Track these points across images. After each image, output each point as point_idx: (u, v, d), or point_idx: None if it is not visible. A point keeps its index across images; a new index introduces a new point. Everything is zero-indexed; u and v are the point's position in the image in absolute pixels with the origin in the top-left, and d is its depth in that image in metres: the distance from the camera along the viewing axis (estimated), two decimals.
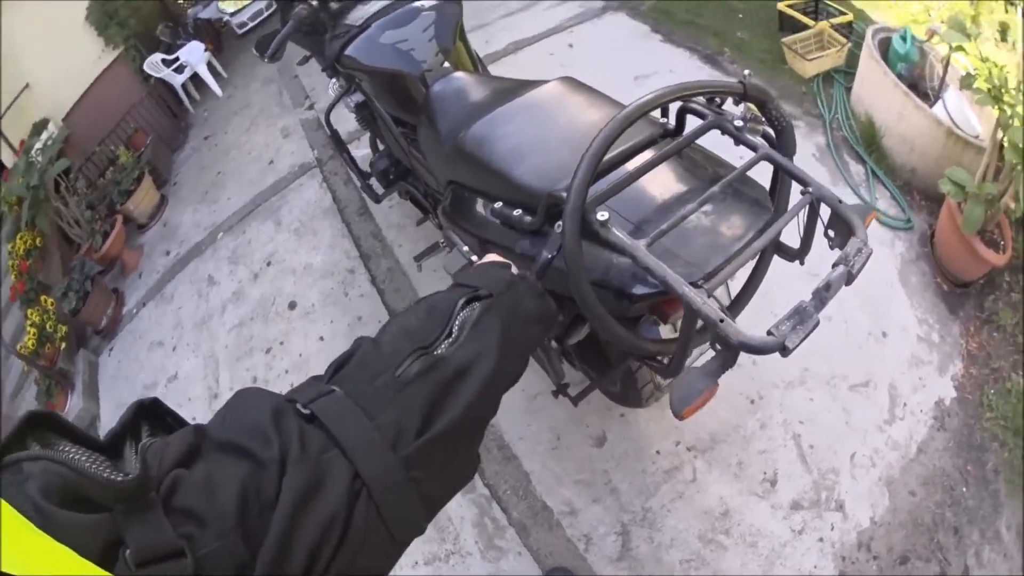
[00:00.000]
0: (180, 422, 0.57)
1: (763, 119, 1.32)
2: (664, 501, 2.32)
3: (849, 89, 3.47)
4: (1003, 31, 2.93)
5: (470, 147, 1.67)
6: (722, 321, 0.95)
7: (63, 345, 3.93)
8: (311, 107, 5.01)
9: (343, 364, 0.67)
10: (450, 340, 0.70)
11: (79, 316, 4.06)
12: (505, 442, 2.57)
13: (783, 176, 1.38)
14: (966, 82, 2.38)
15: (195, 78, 6.28)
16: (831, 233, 1.18)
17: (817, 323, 0.91)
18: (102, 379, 3.88)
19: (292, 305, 3.51)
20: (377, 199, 2.89)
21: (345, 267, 3.55)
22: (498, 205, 1.50)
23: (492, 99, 1.82)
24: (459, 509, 2.44)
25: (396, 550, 0.61)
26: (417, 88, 2.09)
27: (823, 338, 2.53)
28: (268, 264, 3.83)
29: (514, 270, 0.86)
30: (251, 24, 6.72)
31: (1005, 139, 2.24)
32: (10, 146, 5.43)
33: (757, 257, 1.48)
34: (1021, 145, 2.13)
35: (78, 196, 4.71)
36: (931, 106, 2.91)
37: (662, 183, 1.36)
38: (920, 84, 3.12)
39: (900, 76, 3.05)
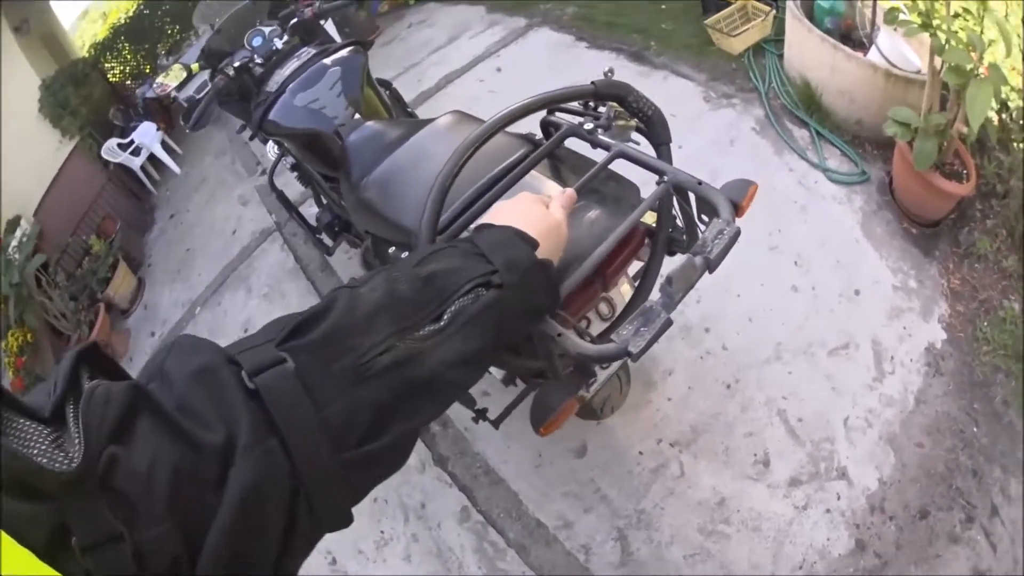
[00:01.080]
0: (118, 369, 0.52)
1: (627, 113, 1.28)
2: (656, 500, 2.15)
3: (781, 57, 3.34)
4: None
5: (367, 196, 1.68)
6: (559, 336, 0.88)
7: None
8: (263, 172, 4.98)
9: (309, 323, 0.56)
10: (436, 327, 0.60)
11: None
12: (490, 467, 2.44)
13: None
14: (890, 17, 2.22)
15: (153, 158, 6.30)
16: (704, 218, 1.14)
17: (668, 322, 0.79)
18: None
19: None
20: (329, 252, 2.95)
21: None
22: (391, 250, 1.52)
23: (389, 146, 1.80)
24: (458, 538, 2.33)
25: (319, 538, 0.55)
26: (334, 144, 2.07)
27: (792, 308, 2.45)
28: (246, 331, 3.75)
29: (552, 212, 0.82)
30: (199, 97, 6.76)
31: (943, 64, 2.08)
32: None
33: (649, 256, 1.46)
34: (961, 64, 1.99)
35: (59, 289, 4.71)
36: (866, 53, 2.76)
37: None
38: (853, 34, 2.99)
39: (829, 31, 2.92)
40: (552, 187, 1.34)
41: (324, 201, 2.81)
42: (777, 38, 3.45)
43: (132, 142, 6.12)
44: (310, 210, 2.98)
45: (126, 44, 8.02)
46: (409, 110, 2.82)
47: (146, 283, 5.01)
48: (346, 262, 3.55)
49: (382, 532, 2.43)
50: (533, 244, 0.73)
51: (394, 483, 2.51)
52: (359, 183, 1.74)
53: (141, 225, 5.88)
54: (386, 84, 2.67)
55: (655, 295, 0.82)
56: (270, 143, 2.67)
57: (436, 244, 0.71)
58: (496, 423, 1.84)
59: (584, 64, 4.10)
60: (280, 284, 3.89)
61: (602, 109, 1.32)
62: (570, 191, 0.89)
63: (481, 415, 1.85)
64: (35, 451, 0.39)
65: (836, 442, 2.11)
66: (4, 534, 0.34)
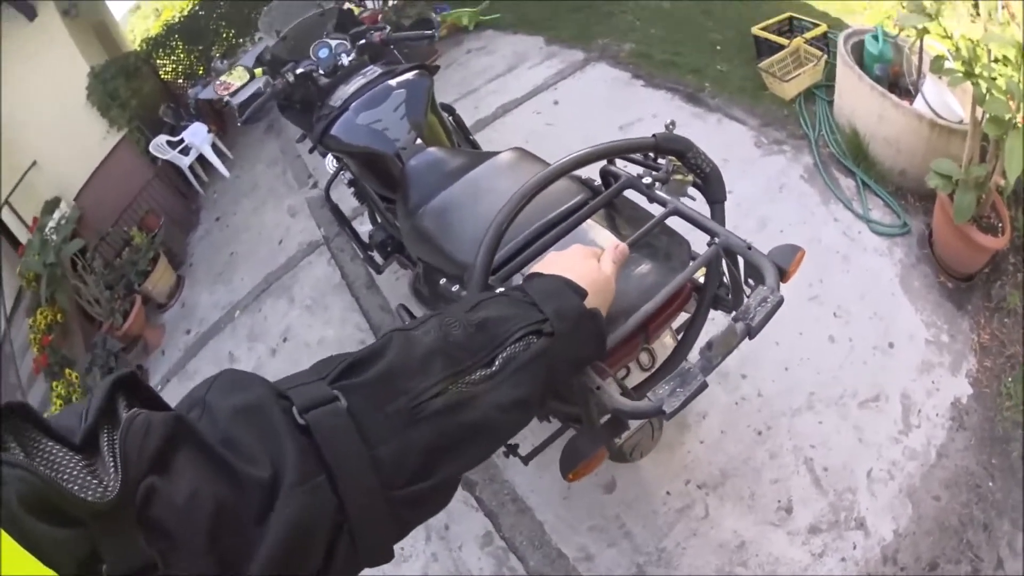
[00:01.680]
0: (156, 398, 0.52)
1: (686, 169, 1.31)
2: (678, 540, 2.24)
3: (831, 103, 3.42)
4: (976, 2, 2.82)
5: (424, 224, 1.72)
6: (598, 388, 0.91)
7: None
8: (315, 186, 5.12)
9: (363, 363, 0.58)
10: (488, 372, 0.63)
11: None
12: (518, 495, 2.53)
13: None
14: (936, 66, 2.27)
15: (202, 159, 6.37)
16: (751, 282, 1.14)
17: (703, 386, 0.83)
18: None
19: None
20: (379, 270, 2.96)
21: (357, 339, 3.58)
22: (443, 282, 1.54)
23: (449, 176, 1.85)
24: (478, 561, 2.41)
25: (356, 573, 0.57)
26: (394, 166, 2.12)
27: (827, 359, 2.56)
28: (284, 340, 3.89)
29: (603, 266, 0.85)
30: (255, 93, 6.88)
31: (984, 114, 2.14)
32: (23, 222, 5.63)
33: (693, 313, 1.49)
34: (999, 114, 2.04)
35: (95, 275, 4.81)
36: (912, 102, 2.83)
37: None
38: (900, 82, 3.06)
39: (878, 78, 3.00)
40: (606, 237, 1.37)
41: (379, 220, 2.84)
42: (828, 84, 3.53)
43: (182, 140, 6.21)
44: (362, 227, 3.04)
45: (180, 43, 8.14)
46: (471, 137, 2.88)
47: (186, 281, 5.13)
48: (393, 283, 3.65)
49: (402, 549, 2.49)
50: (582, 294, 0.76)
51: None
52: (416, 210, 1.79)
53: (186, 224, 5.98)
54: (449, 109, 2.74)
55: (694, 356, 0.87)
56: (329, 157, 2.71)
57: (487, 292, 0.76)
58: (526, 460, 1.84)
59: (640, 102, 4.18)
60: (324, 297, 3.99)
61: (661, 161, 1.35)
62: (623, 246, 0.91)
63: (512, 451, 1.84)
64: (65, 476, 0.39)
65: (858, 492, 2.18)
66: (4, 534, 0.33)
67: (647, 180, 1.30)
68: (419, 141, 2.15)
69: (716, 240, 1.12)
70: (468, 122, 4.50)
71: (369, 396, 0.55)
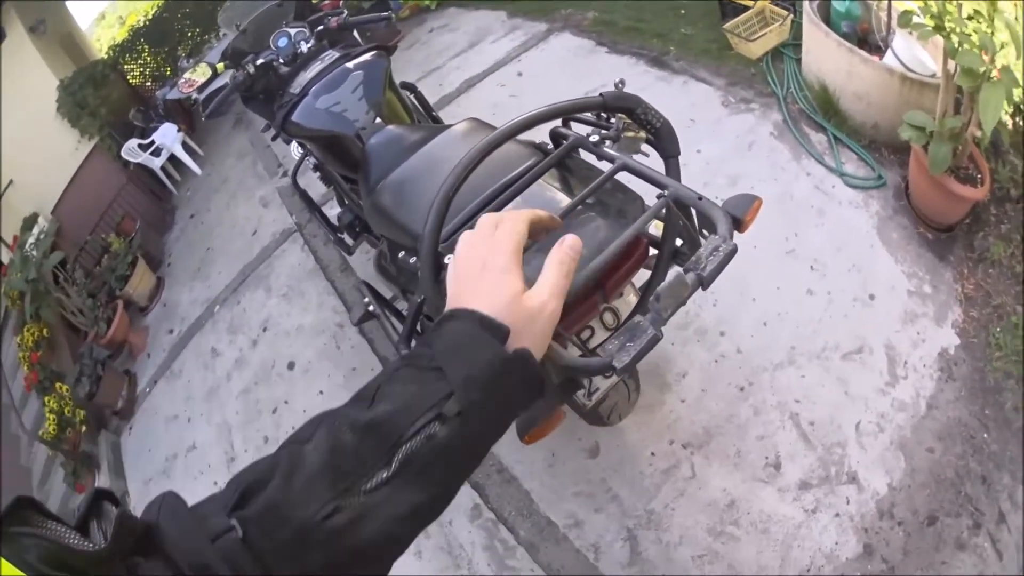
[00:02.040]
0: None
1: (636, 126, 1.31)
2: (667, 501, 2.19)
3: (799, 61, 3.35)
4: None
5: (382, 200, 1.72)
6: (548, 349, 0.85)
7: (83, 428, 4.02)
8: (285, 175, 5.09)
9: (253, 490, 0.55)
10: (385, 476, 0.55)
11: (95, 400, 4.13)
12: (503, 466, 2.49)
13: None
14: (904, 20, 2.22)
15: (174, 159, 6.36)
16: (705, 233, 1.13)
17: (655, 338, 0.76)
18: (126, 457, 3.96)
19: (291, 365, 3.53)
20: (350, 251, 2.96)
21: (334, 323, 3.57)
22: (401, 255, 1.54)
23: (406, 151, 1.85)
24: (468, 535, 2.39)
25: None
26: (355, 146, 2.12)
27: (807, 312, 2.48)
28: (264, 330, 3.87)
29: (543, 282, 0.66)
30: (218, 87, 6.94)
31: (957, 67, 2.08)
32: (3, 243, 5.62)
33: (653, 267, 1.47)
34: (972, 67, 1.99)
35: (77, 286, 4.82)
36: (882, 57, 2.76)
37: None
38: (869, 38, 2.99)
39: (846, 35, 2.93)
40: (558, 198, 1.36)
41: (346, 202, 2.86)
42: (795, 42, 3.46)
43: (152, 143, 6.19)
44: (332, 211, 3.04)
45: (145, 46, 8.10)
46: (434, 114, 2.87)
47: (165, 282, 5.12)
48: (364, 263, 3.61)
49: None
50: (501, 334, 0.60)
51: None
52: (375, 187, 1.78)
53: (161, 225, 5.96)
54: (411, 87, 2.73)
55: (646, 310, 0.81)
56: (294, 143, 2.72)
57: (393, 363, 0.62)
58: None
59: (604, 69, 4.13)
60: (300, 284, 3.97)
61: (614, 120, 1.34)
62: (572, 238, 0.70)
63: None
64: (68, 540, 0.46)
65: (847, 446, 2.12)
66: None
67: (595, 139, 1.29)
68: (378, 120, 2.15)
69: (666, 192, 1.10)
70: (433, 99, 4.51)
71: (259, 525, 0.53)
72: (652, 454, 2.30)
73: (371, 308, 2.25)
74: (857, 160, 2.92)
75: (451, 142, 1.75)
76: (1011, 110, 2.38)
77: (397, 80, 2.53)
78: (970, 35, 2.04)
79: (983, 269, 2.44)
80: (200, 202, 5.90)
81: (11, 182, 5.89)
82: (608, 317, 1.53)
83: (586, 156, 1.33)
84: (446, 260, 1.10)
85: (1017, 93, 2.20)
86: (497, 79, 4.63)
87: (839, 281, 2.54)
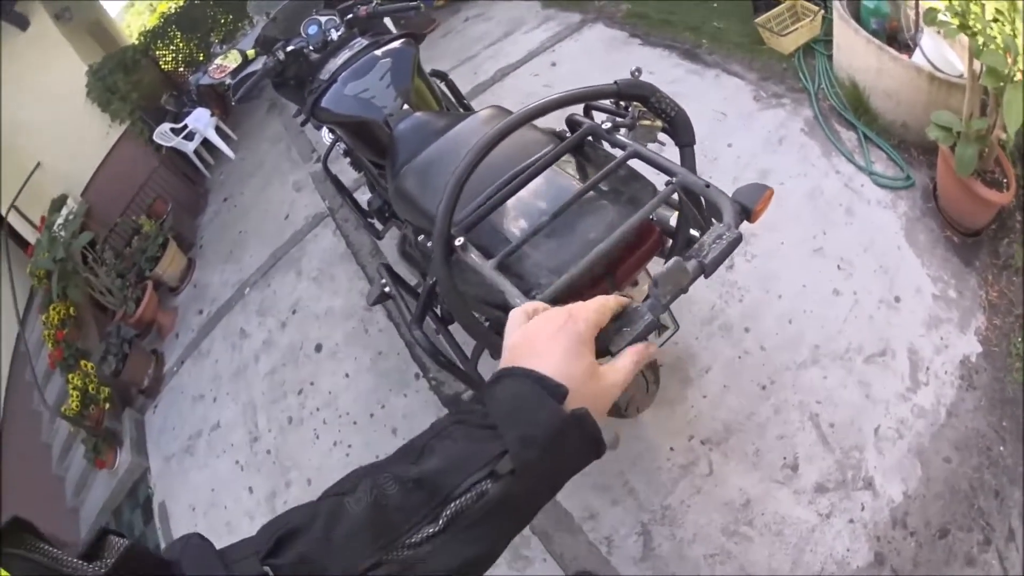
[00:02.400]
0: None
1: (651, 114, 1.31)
2: (683, 497, 2.17)
3: (830, 57, 3.26)
4: None
5: (405, 184, 1.72)
6: None
7: (107, 406, 4.07)
8: (318, 160, 5.10)
9: (290, 538, 0.53)
10: (432, 531, 0.53)
11: (121, 378, 4.18)
12: None
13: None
14: (929, 17, 2.15)
15: (207, 143, 6.37)
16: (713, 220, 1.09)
17: (652, 324, 0.72)
18: (149, 434, 4.01)
19: (318, 347, 3.55)
20: (379, 236, 2.94)
21: (363, 306, 3.58)
22: (421, 238, 1.53)
23: (431, 136, 1.85)
24: None
25: None
26: (383, 132, 2.12)
27: (832, 312, 2.44)
28: (293, 312, 3.89)
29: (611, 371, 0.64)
30: (248, 72, 6.97)
31: (982, 66, 2.01)
32: (31, 223, 5.68)
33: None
34: (997, 66, 1.92)
35: (106, 266, 4.85)
36: (911, 55, 2.68)
37: (544, 196, 1.39)
38: (899, 36, 2.89)
39: (875, 32, 2.84)
40: (572, 186, 1.36)
41: (375, 187, 2.84)
42: (827, 38, 3.36)
43: (185, 127, 6.20)
44: (363, 196, 3.02)
45: (178, 33, 8.10)
46: (465, 101, 2.86)
47: (196, 263, 5.16)
48: (395, 247, 3.58)
49: None
50: (560, 394, 0.58)
51: None
52: (399, 171, 1.80)
53: (194, 207, 5.99)
54: (442, 75, 2.72)
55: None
56: (324, 129, 2.72)
57: (443, 419, 0.60)
58: None
59: (637, 61, 4.00)
60: (330, 268, 3.99)
61: (630, 109, 1.35)
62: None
63: None
64: (64, 565, 0.45)
65: (865, 451, 2.09)
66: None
67: (607, 126, 1.31)
68: (406, 107, 2.14)
69: (674, 179, 1.11)
70: (467, 87, 4.52)
71: (294, 574, 0.51)
72: (671, 449, 2.28)
73: (387, 289, 2.25)
74: (886, 159, 2.85)
75: (473, 129, 1.74)
76: None
77: (429, 68, 2.54)
78: (995, 36, 1.97)
79: (1007, 276, 2.37)
80: (234, 186, 5.93)
81: (38, 164, 5.97)
82: None
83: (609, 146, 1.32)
84: (457, 242, 1.18)
85: None
86: (531, 68, 4.58)
87: (865, 282, 2.48)
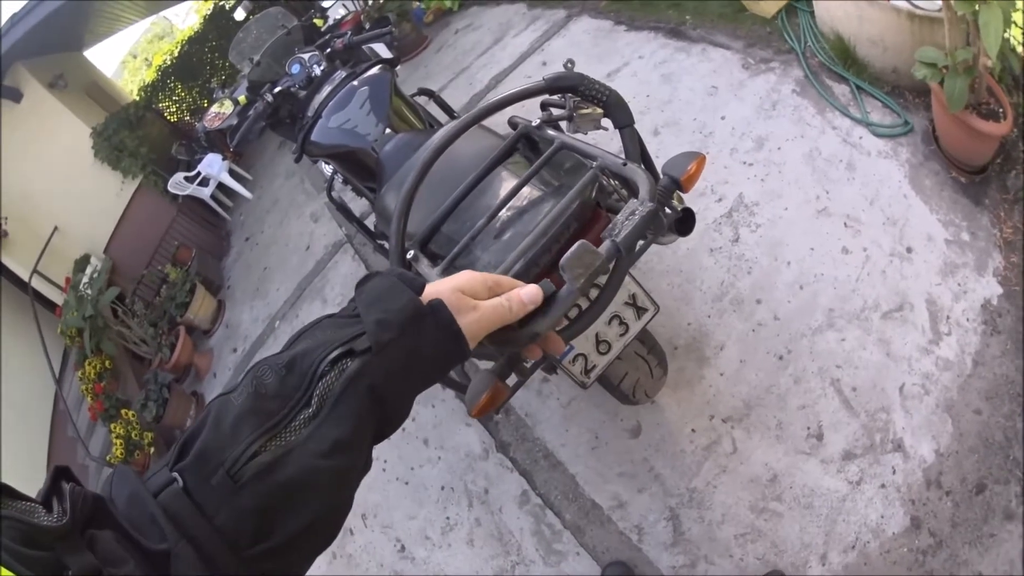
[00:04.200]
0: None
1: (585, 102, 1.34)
2: (708, 478, 2.10)
3: (813, 14, 3.12)
4: None
5: (384, 203, 1.77)
6: None
7: (152, 450, 4.13)
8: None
9: (189, 442, 0.55)
10: (308, 413, 0.55)
11: (163, 422, 4.23)
12: (549, 451, 2.46)
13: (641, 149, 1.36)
14: None
15: (223, 186, 6.39)
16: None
17: (563, 307, 0.71)
18: None
19: None
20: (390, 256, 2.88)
21: None
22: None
23: (410, 154, 1.89)
24: (517, 522, 2.38)
25: None
26: (369, 157, 2.15)
27: (843, 272, 2.33)
28: None
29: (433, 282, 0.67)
30: (242, 120, 7.03)
31: None
32: (55, 285, 5.69)
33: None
34: None
35: (138, 317, 4.93)
36: None
37: (492, 199, 1.40)
38: None
39: None
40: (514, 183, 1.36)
41: None
42: None
43: (199, 174, 6.24)
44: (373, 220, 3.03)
45: (177, 83, 8.21)
46: (456, 115, 2.84)
47: (226, 304, 5.22)
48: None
49: (447, 518, 2.51)
50: (416, 285, 0.63)
51: (460, 470, 2.60)
52: (380, 192, 1.82)
53: (218, 250, 6.05)
54: (429, 93, 2.73)
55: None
56: (321, 162, 2.75)
57: (320, 317, 0.63)
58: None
59: (624, 47, 3.98)
60: (352, 292, 3.95)
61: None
62: (533, 291, 0.71)
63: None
64: (35, 517, 0.46)
65: (892, 411, 1.97)
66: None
67: (536, 123, 1.34)
68: (388, 131, 2.17)
69: (593, 163, 1.13)
70: (464, 98, 4.56)
71: (196, 474, 0.53)
72: (693, 431, 2.21)
73: None
74: (882, 108, 2.70)
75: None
76: (1021, 37, 2.14)
77: (420, 87, 2.64)
78: None
79: (1019, 210, 2.21)
80: (254, 224, 6.00)
81: (56, 228, 6.01)
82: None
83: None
84: (408, 255, 1.23)
85: (1017, 16, 2.00)
86: (524, 71, 4.54)
87: (874, 236, 2.36)
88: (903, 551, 1.75)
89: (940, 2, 2.25)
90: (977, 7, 1.82)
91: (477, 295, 0.66)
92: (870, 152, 2.59)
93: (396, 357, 0.59)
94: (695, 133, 3.10)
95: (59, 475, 0.54)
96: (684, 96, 3.32)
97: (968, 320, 2.06)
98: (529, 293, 0.69)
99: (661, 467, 2.18)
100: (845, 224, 2.43)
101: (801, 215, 2.53)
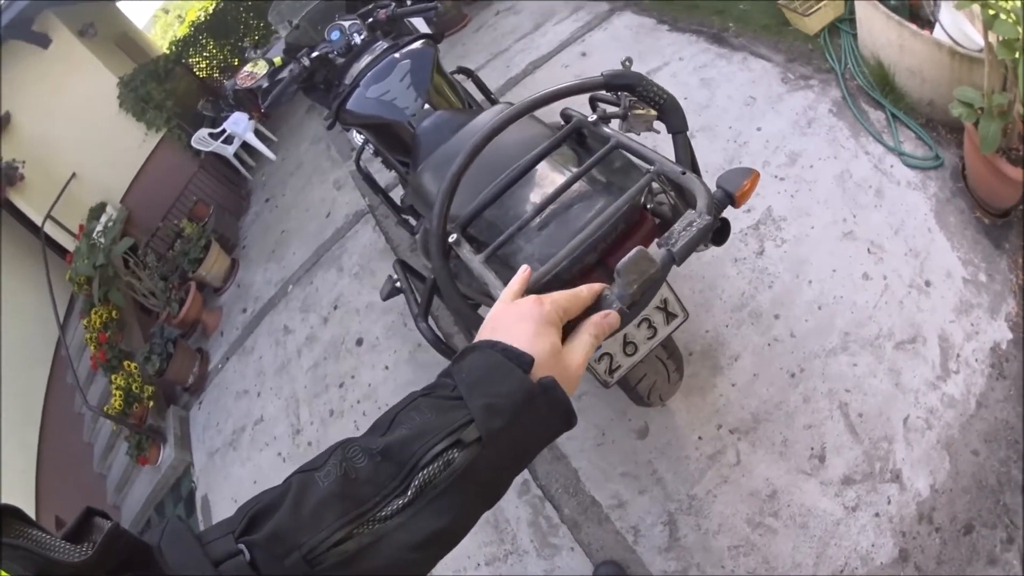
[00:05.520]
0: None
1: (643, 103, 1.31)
2: (709, 487, 2.15)
3: (856, 36, 3.11)
4: None
5: (421, 180, 1.75)
6: None
7: (151, 404, 4.13)
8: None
9: (263, 515, 0.54)
10: (402, 503, 0.53)
11: (165, 376, 4.25)
12: (554, 443, 2.43)
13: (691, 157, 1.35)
14: None
15: (247, 145, 6.38)
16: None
17: (619, 312, 0.71)
18: (193, 430, 4.12)
19: (359, 341, 3.60)
20: (413, 232, 2.96)
21: (400, 301, 3.55)
22: None
23: (449, 133, 1.87)
24: (515, 510, 2.43)
25: None
26: (405, 132, 2.14)
27: (862, 297, 2.38)
28: (335, 308, 3.96)
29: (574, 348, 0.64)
30: (277, 80, 7.01)
31: (998, 38, 1.89)
32: (68, 231, 5.75)
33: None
34: (1010, 36, 1.81)
35: (149, 270, 4.90)
36: (932, 31, 2.53)
37: (539, 190, 1.40)
38: (921, 12, 2.73)
39: (895, 8, 2.68)
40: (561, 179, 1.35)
41: (405, 184, 2.87)
42: (851, 17, 3.20)
43: (224, 131, 6.22)
44: (398, 193, 3.05)
45: (209, 40, 8.16)
46: (493, 96, 2.85)
47: (240, 263, 5.23)
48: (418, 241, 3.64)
49: None
50: (525, 362, 0.58)
51: None
52: (417, 168, 1.82)
53: (236, 209, 6.05)
54: (467, 72, 2.74)
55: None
56: (354, 131, 2.75)
57: (412, 394, 0.59)
58: None
59: (666, 47, 3.97)
60: (370, 263, 4.03)
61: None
62: (613, 316, 0.69)
63: None
64: (51, 551, 0.44)
65: (894, 442, 2.02)
66: None
67: (592, 119, 1.32)
68: (427, 106, 2.16)
69: (651, 168, 1.12)
70: (500, 81, 4.58)
71: (266, 549, 0.51)
72: (699, 438, 2.25)
73: (398, 284, 2.29)
74: (915, 139, 2.72)
75: (484, 125, 1.78)
76: None
77: (460, 64, 2.60)
78: (1006, 6, 1.85)
79: None
80: (275, 186, 6.00)
81: (73, 175, 6.06)
82: None
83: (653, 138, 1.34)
84: (451, 238, 1.22)
85: None
86: (561, 60, 4.51)
87: (896, 265, 2.39)
88: None
89: (982, 43, 2.28)
90: (1018, 55, 1.84)
91: (556, 327, 0.64)
92: (900, 182, 2.61)
93: (507, 446, 0.56)
94: (729, 141, 3.12)
95: (90, 514, 0.51)
96: (721, 103, 3.34)
97: (977, 361, 2.10)
98: (612, 323, 0.68)
99: (664, 471, 2.24)
100: (869, 250, 2.46)
101: (827, 235, 2.56)
